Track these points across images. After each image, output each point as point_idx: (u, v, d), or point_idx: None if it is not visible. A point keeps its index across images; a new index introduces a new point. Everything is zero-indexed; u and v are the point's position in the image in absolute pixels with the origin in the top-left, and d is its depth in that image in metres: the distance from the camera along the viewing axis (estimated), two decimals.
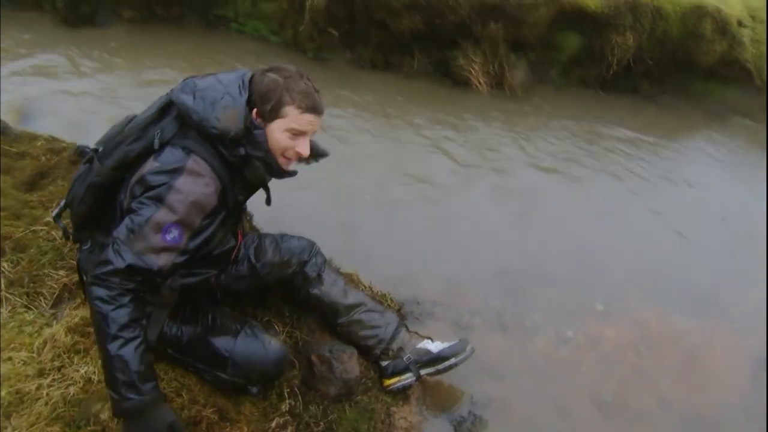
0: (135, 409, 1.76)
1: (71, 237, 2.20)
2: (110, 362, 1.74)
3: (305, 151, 2.00)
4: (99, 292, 1.74)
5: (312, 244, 2.58)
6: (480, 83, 5.35)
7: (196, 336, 2.16)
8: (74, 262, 2.64)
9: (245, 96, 1.90)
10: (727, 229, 4.05)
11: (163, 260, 1.82)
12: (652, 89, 5.67)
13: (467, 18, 5.16)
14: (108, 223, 2.02)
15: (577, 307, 3.26)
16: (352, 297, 2.62)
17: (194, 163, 1.87)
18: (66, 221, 2.26)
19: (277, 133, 1.95)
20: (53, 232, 2.78)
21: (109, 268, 1.75)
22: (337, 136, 4.24)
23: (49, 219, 2.83)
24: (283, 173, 2.06)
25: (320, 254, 2.60)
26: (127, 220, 1.80)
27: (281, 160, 2.01)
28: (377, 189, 3.94)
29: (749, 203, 4.37)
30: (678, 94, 5.69)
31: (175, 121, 1.92)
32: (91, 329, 2.27)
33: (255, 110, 1.93)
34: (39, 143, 3.53)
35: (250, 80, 1.96)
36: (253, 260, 2.43)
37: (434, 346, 2.59)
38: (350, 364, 2.52)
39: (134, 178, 1.90)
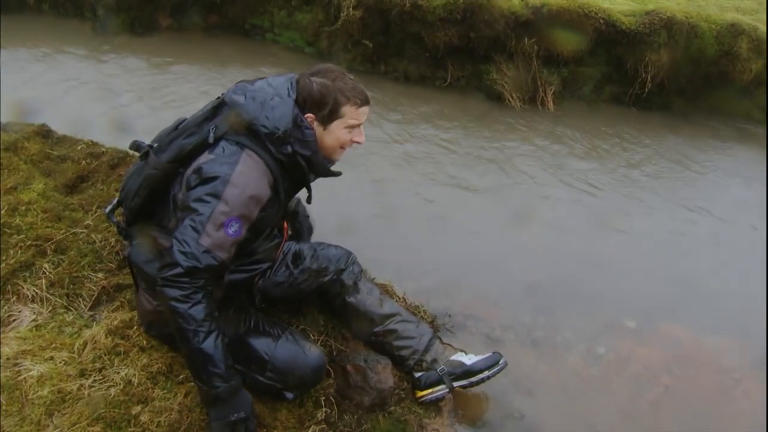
0: (223, 396, 1.87)
1: (123, 233, 2.24)
2: (195, 355, 1.85)
3: (362, 139, 2.10)
4: (173, 293, 1.81)
5: (349, 253, 2.59)
6: (512, 98, 5.33)
7: (238, 337, 2.18)
8: (112, 265, 2.71)
9: (293, 97, 1.97)
10: (758, 241, 3.99)
11: (227, 253, 1.88)
12: (685, 107, 5.63)
13: (502, 33, 5.17)
14: (161, 216, 2.09)
15: (608, 324, 3.22)
16: (388, 307, 2.61)
17: (248, 156, 1.92)
18: (119, 217, 2.31)
19: (338, 131, 2.04)
20: (93, 235, 2.81)
21: (178, 270, 1.81)
22: (367, 148, 4.19)
23: (89, 222, 2.88)
24: (328, 172, 2.12)
25: (357, 263, 2.61)
26: (188, 220, 1.85)
27: (338, 153, 2.11)
28: (411, 202, 3.94)
29: None
30: (711, 113, 5.64)
31: (228, 119, 1.99)
32: (131, 332, 2.32)
33: (309, 115, 2.01)
34: (79, 147, 3.57)
35: (297, 83, 2.03)
36: (291, 266, 2.44)
37: (468, 359, 2.59)
38: (384, 374, 2.51)
39: (190, 170, 1.95)
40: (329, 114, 2.01)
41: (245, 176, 1.90)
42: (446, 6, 5.13)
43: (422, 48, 5.36)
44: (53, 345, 2.23)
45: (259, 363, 2.17)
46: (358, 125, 2.07)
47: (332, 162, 2.14)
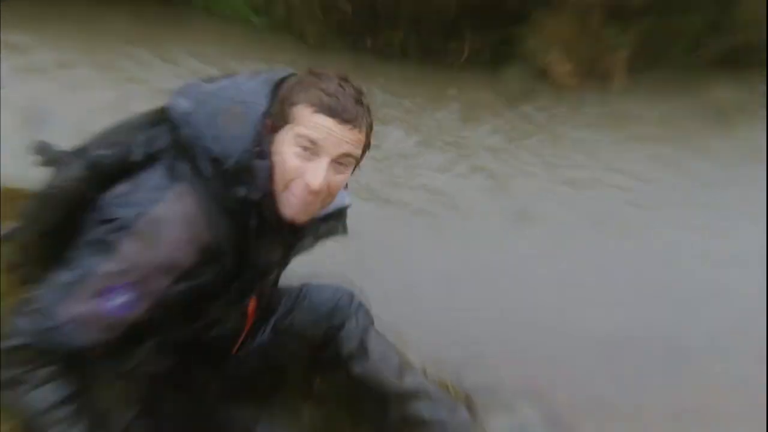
0: None
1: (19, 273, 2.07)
2: None
3: (315, 180, 1.62)
4: (6, 371, 1.61)
5: (351, 294, 2.34)
6: (563, 73, 4.72)
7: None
8: None
9: (263, 107, 1.66)
10: None
11: (103, 334, 1.61)
12: None
13: None
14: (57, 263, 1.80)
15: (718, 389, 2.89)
16: (410, 380, 2.35)
17: (174, 197, 1.63)
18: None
19: (285, 147, 1.63)
20: None
21: (16, 342, 1.59)
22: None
23: None
24: (284, 226, 1.73)
25: (363, 308, 2.33)
26: (59, 275, 1.64)
27: (289, 200, 1.66)
28: (425, 237, 3.59)
29: None
30: None
31: (171, 131, 1.74)
32: None
33: (267, 123, 1.69)
34: None
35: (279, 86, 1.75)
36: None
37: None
38: None
39: (99, 202, 1.73)
40: (279, 116, 1.64)
41: (157, 228, 1.60)
42: None
43: (426, 9, 4.75)
44: None
45: None
46: (316, 149, 1.61)
47: (295, 219, 1.71)
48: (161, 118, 1.74)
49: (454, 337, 2.97)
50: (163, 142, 1.73)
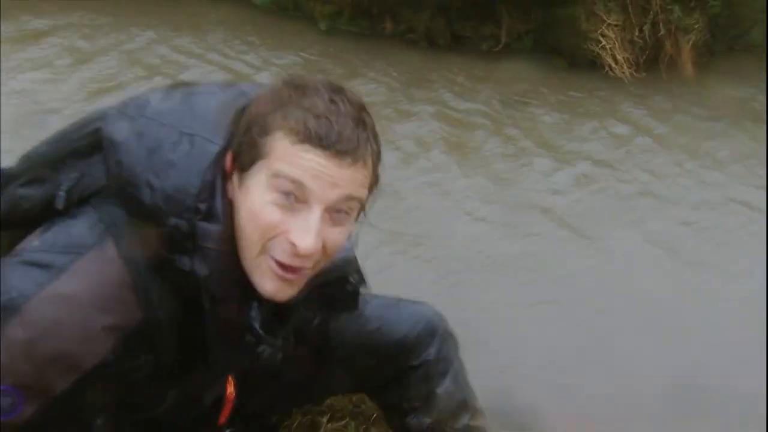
0: None
1: None
2: None
3: (303, 239, 1.23)
4: None
5: (435, 320, 1.95)
6: (617, 62, 4.40)
7: None
8: None
9: (218, 142, 1.29)
10: None
11: None
12: None
13: None
14: None
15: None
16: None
17: (97, 261, 1.30)
18: None
19: (256, 194, 1.24)
20: None
21: None
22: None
23: None
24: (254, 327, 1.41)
25: (450, 342, 1.96)
26: None
27: (263, 271, 1.26)
28: (462, 253, 3.34)
29: None
30: None
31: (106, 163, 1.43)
32: None
33: (228, 161, 1.32)
34: None
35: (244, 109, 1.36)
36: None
37: None
38: None
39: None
40: (246, 148, 1.25)
41: (56, 308, 1.24)
42: None
43: None
44: None
45: None
46: (298, 193, 1.22)
47: (276, 297, 1.32)
48: (97, 144, 1.44)
49: (507, 390, 2.64)
50: (96, 178, 1.42)
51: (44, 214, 1.40)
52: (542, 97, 4.35)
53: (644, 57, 4.39)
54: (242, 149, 1.29)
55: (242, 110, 1.33)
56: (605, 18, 4.37)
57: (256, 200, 1.26)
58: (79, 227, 1.36)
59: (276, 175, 1.23)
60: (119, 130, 1.36)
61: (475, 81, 4.47)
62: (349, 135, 1.24)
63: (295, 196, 1.23)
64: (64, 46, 4.53)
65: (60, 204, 1.36)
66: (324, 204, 1.23)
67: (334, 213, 1.25)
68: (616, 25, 4.37)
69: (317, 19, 4.73)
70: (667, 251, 3.43)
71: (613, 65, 4.36)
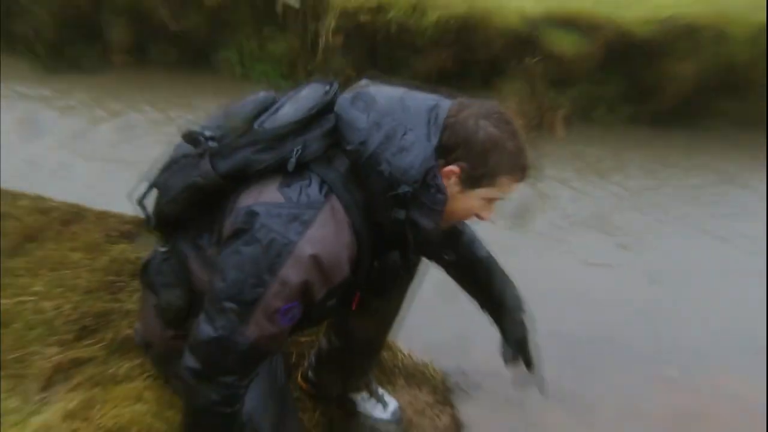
0: None
1: (154, 226, 1.91)
2: None
3: (489, 217, 1.74)
4: (212, 395, 1.59)
5: None
6: None
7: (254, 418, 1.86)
8: (68, 336, 2.55)
9: (435, 140, 1.58)
10: None
11: (277, 344, 1.66)
12: (715, 122, 5.61)
13: (501, 54, 5.25)
14: (197, 232, 1.79)
15: (646, 374, 3.12)
16: None
17: (331, 212, 1.58)
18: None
19: (476, 200, 1.69)
20: (43, 303, 2.66)
21: (214, 368, 1.58)
22: None
23: (39, 287, 2.76)
24: (434, 253, 1.98)
25: None
26: (227, 299, 1.55)
27: (448, 224, 1.77)
28: None
29: None
30: (743, 126, 5.60)
31: (324, 137, 1.62)
32: (92, 413, 2.16)
33: (452, 169, 1.62)
34: (23, 202, 3.45)
35: (454, 121, 1.62)
36: None
37: (377, 413, 2.55)
38: None
39: (247, 201, 1.60)
40: (481, 176, 1.62)
41: (318, 248, 1.54)
42: (437, 27, 5.19)
43: (413, 75, 5.34)
44: None
45: None
46: (497, 200, 1.73)
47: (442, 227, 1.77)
48: (315, 122, 1.64)
49: (437, 329, 3.19)
50: (316, 149, 1.62)
51: (264, 172, 1.62)
52: None
53: (534, 123, 5.26)
54: (476, 176, 1.63)
55: (455, 122, 1.60)
56: (508, 97, 5.21)
57: (476, 204, 1.70)
58: (312, 188, 1.58)
59: (495, 198, 1.69)
60: (359, 119, 1.58)
61: None
62: (528, 164, 1.68)
63: (494, 200, 1.70)
64: None
65: (291, 167, 1.58)
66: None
67: None
68: (514, 102, 5.23)
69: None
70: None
71: None
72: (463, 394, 2.90)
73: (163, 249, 1.86)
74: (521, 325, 2.19)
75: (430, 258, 1.98)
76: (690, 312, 3.57)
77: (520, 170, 1.65)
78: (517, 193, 1.73)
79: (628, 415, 2.90)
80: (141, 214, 1.87)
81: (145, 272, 1.93)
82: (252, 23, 5.87)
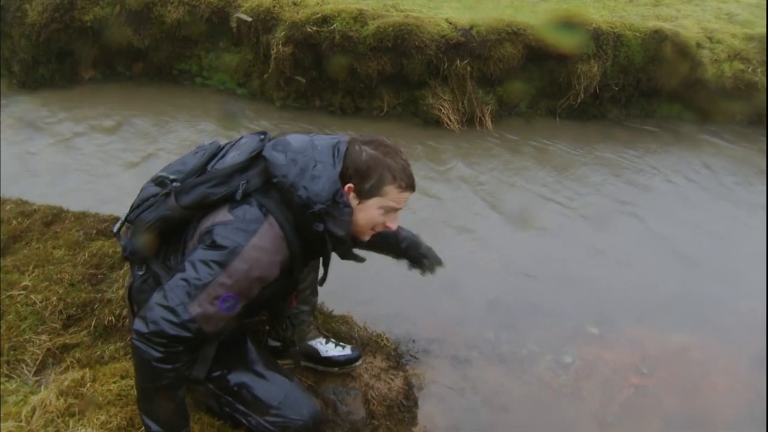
0: None
1: (127, 256, 2.16)
2: (149, 411, 1.85)
3: (395, 226, 2.03)
4: (153, 353, 1.76)
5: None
6: (450, 120, 5.39)
7: (245, 382, 2.14)
8: (56, 325, 2.64)
9: (339, 168, 1.89)
10: (717, 246, 4.09)
11: (213, 327, 1.82)
12: (620, 115, 5.77)
13: (434, 57, 5.24)
14: (166, 255, 2.05)
15: (572, 332, 3.27)
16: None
17: (269, 227, 1.85)
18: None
19: (372, 210, 1.96)
20: (32, 296, 2.73)
21: (157, 330, 1.75)
22: None
23: (27, 282, 2.82)
24: (351, 256, 2.07)
25: None
26: (182, 280, 1.78)
27: (367, 234, 2.04)
28: None
29: (737, 217, 4.46)
30: (645, 118, 5.81)
31: (260, 175, 1.91)
32: (85, 390, 2.24)
33: (349, 186, 1.92)
34: (8, 207, 3.51)
35: (346, 151, 1.94)
36: None
37: (324, 349, 2.63)
38: (355, 405, 2.46)
39: (206, 223, 1.90)
40: (370, 189, 1.93)
41: (258, 253, 1.82)
42: (376, 35, 5.18)
43: (356, 79, 5.39)
44: None
45: (264, 408, 2.10)
46: (396, 210, 2.00)
47: (359, 243, 2.09)
48: (254, 164, 1.94)
49: (386, 303, 3.31)
50: (255, 183, 1.91)
51: (217, 203, 1.91)
52: (406, 143, 5.10)
53: (465, 118, 5.42)
54: (365, 189, 1.92)
55: (347, 152, 1.91)
56: (442, 96, 5.36)
57: (374, 214, 1.97)
58: (254, 210, 1.86)
59: (386, 207, 1.95)
60: (278, 157, 1.88)
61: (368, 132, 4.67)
62: (414, 179, 1.97)
63: (391, 210, 1.97)
64: None
65: (239, 197, 1.87)
66: (400, 211, 2.00)
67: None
68: (448, 100, 5.37)
69: (275, 100, 5.62)
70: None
71: (449, 123, 5.35)
72: (413, 359, 3.01)
73: (140, 272, 2.10)
74: (425, 248, 2.61)
75: (343, 257, 2.11)
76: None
77: (402, 179, 1.92)
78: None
79: (556, 367, 3.06)
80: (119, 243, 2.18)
81: (130, 293, 2.16)
82: (209, 37, 5.91)
